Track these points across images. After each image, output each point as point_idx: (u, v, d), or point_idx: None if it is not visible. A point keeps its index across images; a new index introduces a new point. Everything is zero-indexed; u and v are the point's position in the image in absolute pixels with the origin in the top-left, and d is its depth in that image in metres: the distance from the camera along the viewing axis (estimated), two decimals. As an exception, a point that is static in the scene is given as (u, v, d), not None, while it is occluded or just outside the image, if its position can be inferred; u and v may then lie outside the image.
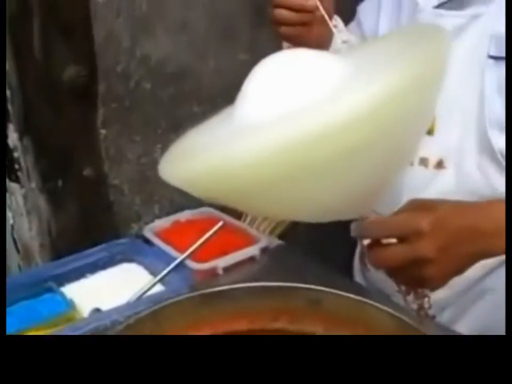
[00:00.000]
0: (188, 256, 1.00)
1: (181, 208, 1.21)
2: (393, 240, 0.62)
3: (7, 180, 0.98)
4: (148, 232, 1.13)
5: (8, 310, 0.89)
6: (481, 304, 0.87)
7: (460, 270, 0.63)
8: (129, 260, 1.08)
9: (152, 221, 1.21)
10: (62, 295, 0.95)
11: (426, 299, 0.67)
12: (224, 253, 1.05)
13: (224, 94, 1.34)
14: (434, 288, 0.64)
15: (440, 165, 0.82)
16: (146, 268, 1.07)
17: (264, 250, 1.08)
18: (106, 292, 0.98)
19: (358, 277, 1.05)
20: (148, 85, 1.13)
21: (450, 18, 0.78)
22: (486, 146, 0.77)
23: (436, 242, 0.60)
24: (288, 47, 0.89)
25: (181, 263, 1.00)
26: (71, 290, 0.99)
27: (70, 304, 0.92)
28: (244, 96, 0.56)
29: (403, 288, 0.66)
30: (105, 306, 0.92)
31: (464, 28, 0.77)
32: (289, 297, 0.62)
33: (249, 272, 1.05)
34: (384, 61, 0.55)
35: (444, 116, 0.78)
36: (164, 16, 1.13)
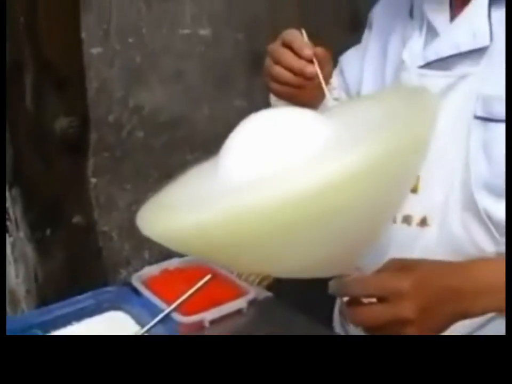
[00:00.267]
0: (175, 309, 1.00)
1: (170, 255, 1.21)
2: (373, 300, 0.62)
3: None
4: (135, 281, 1.12)
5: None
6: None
7: (440, 330, 0.63)
8: (116, 308, 1.08)
9: (141, 267, 1.20)
10: (47, 344, 0.94)
11: None
12: (212, 305, 1.04)
13: (218, 141, 1.35)
14: None
15: (423, 222, 0.82)
16: (133, 317, 1.06)
17: (251, 302, 1.08)
18: (92, 340, 0.98)
19: (337, 328, 1.04)
20: (141, 133, 1.14)
21: (437, 78, 0.79)
22: (470, 206, 0.77)
23: (417, 303, 0.60)
24: (276, 100, 0.89)
25: (168, 315, 0.99)
26: (56, 337, 0.98)
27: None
28: (227, 153, 0.57)
29: None
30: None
31: (451, 88, 0.77)
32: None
33: (236, 324, 1.04)
34: (369, 126, 0.56)
35: (428, 174, 0.78)
36: (158, 67, 1.15)
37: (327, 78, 0.85)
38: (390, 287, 0.61)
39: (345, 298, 0.65)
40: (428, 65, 0.79)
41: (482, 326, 0.80)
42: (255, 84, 1.32)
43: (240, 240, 0.49)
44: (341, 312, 0.88)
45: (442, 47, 0.77)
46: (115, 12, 1.10)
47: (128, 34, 1.11)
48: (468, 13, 0.76)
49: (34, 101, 0.92)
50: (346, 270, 0.62)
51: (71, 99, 0.96)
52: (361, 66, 0.93)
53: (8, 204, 0.96)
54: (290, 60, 0.78)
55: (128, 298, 1.09)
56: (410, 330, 0.60)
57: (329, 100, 0.83)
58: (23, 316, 1.07)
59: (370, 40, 0.93)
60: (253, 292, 1.09)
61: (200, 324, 1.02)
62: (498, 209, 0.72)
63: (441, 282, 0.62)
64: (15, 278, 1.04)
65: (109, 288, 1.09)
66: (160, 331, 0.98)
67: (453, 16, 0.79)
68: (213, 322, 1.03)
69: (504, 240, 0.73)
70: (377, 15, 0.94)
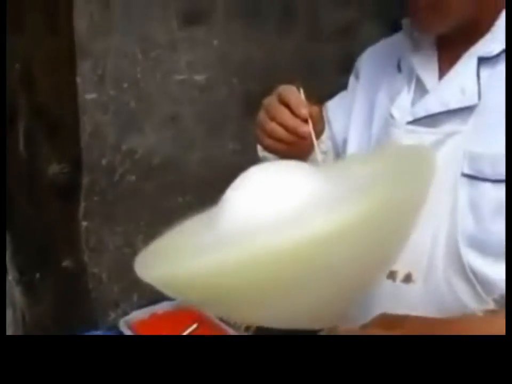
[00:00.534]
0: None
1: (160, 298, 1.20)
2: None
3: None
4: (123, 325, 1.12)
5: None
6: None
7: None
8: (103, 353, 1.07)
9: (130, 309, 1.20)
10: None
11: None
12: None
13: (210, 184, 1.37)
14: None
15: (408, 278, 0.82)
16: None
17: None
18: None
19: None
20: (133, 177, 1.15)
21: (425, 135, 0.78)
22: (455, 262, 0.77)
23: None
24: (263, 151, 0.89)
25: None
26: None
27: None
28: (225, 204, 0.60)
29: None
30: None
31: (439, 144, 0.77)
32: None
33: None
34: (364, 181, 0.59)
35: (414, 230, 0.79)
36: (152, 111, 1.16)
37: (319, 135, 0.86)
38: None
39: None
40: (416, 121, 0.79)
41: None
42: (248, 127, 1.33)
43: (229, 289, 0.51)
44: None
45: (432, 104, 0.78)
46: (111, 57, 1.12)
47: (123, 80, 1.13)
48: (457, 71, 0.77)
49: (27, 147, 0.93)
50: (336, 322, 0.62)
51: (64, 145, 0.97)
52: (348, 116, 0.93)
53: (-3, 247, 0.96)
54: (286, 118, 0.78)
55: (115, 343, 1.09)
56: None
57: (317, 154, 0.84)
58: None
59: (358, 91, 0.94)
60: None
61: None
62: (484, 266, 0.72)
63: None
64: (2, 321, 1.04)
65: (96, 332, 1.09)
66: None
67: (441, 73, 0.80)
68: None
69: (490, 298, 0.74)
70: (364, 65, 0.95)
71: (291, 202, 0.56)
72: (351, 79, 0.97)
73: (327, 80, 1.28)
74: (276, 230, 0.52)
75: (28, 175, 0.96)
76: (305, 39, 1.41)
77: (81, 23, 1.04)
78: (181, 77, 1.23)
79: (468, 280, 0.76)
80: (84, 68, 1.05)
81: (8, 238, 0.98)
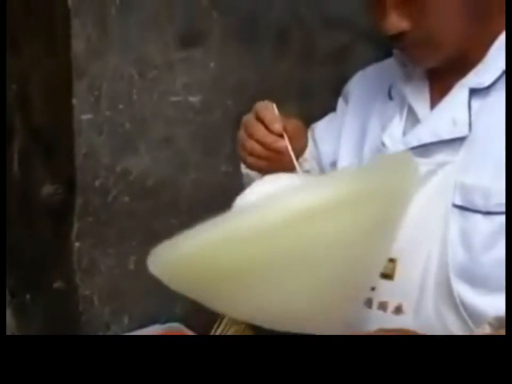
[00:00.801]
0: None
1: (150, 320, 1.19)
2: None
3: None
4: (114, 348, 1.10)
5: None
6: None
7: None
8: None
9: (121, 332, 1.19)
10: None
11: None
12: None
13: (204, 206, 1.37)
14: None
15: (398, 310, 0.81)
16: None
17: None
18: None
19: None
20: (126, 198, 1.15)
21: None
22: (446, 294, 0.76)
23: None
24: (246, 168, 0.89)
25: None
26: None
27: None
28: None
29: None
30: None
31: (430, 175, 0.77)
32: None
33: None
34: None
35: (405, 260, 0.78)
36: (146, 133, 1.16)
37: (302, 151, 0.85)
38: None
39: None
40: (409, 151, 0.78)
41: None
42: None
43: (216, 270, 0.54)
44: None
45: (423, 134, 0.78)
46: (107, 78, 1.12)
47: (119, 101, 1.13)
48: (448, 101, 0.77)
49: (22, 168, 0.92)
50: (331, 327, 0.62)
51: (58, 166, 0.97)
52: (337, 138, 0.93)
53: (-12, 269, 0.95)
54: (262, 135, 0.79)
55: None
56: None
57: (296, 167, 0.83)
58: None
59: (348, 115, 0.93)
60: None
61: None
62: (475, 298, 0.72)
63: None
64: (-9, 343, 1.02)
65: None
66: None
67: (433, 102, 0.80)
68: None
69: (478, 330, 0.73)
70: (354, 89, 0.95)
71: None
72: (340, 102, 0.97)
73: (321, 103, 1.29)
74: (255, 209, 0.56)
75: (21, 195, 0.95)
76: (299, 62, 1.42)
77: (78, 44, 1.05)
78: (176, 99, 1.24)
79: (458, 312, 0.75)
80: (80, 89, 1.05)
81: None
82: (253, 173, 0.88)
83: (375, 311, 0.82)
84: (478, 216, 0.71)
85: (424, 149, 0.78)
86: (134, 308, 1.20)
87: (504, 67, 0.73)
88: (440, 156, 0.77)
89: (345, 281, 0.59)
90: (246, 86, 1.36)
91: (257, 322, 0.63)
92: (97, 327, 1.17)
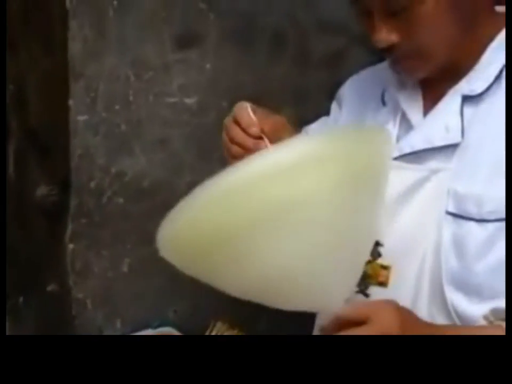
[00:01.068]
0: None
1: (143, 325, 1.19)
2: None
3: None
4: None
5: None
6: None
7: None
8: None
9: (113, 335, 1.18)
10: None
11: None
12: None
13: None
14: None
15: None
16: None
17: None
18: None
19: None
20: (121, 200, 1.14)
21: (411, 171, 0.78)
22: (439, 301, 0.76)
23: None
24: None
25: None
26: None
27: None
28: None
29: None
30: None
31: (424, 181, 0.77)
32: None
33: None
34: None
35: (399, 268, 0.78)
36: (142, 134, 1.16)
37: (276, 136, 0.84)
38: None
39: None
40: (402, 157, 0.79)
41: None
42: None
43: (216, 232, 0.54)
44: None
45: (416, 141, 0.78)
46: (103, 79, 1.11)
47: (115, 102, 1.13)
48: (441, 108, 0.78)
49: (17, 168, 0.91)
50: (328, 303, 0.62)
51: (53, 167, 0.96)
52: None
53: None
54: (241, 138, 0.79)
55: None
56: None
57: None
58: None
59: (341, 120, 0.93)
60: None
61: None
62: (467, 306, 0.72)
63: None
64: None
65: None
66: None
67: (426, 109, 0.80)
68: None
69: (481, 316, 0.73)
70: (347, 94, 0.95)
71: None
72: (334, 106, 0.98)
73: (316, 106, 1.29)
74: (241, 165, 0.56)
75: (16, 195, 0.94)
76: (295, 65, 1.42)
77: (75, 45, 1.04)
78: (172, 100, 1.23)
79: (451, 319, 0.75)
80: (77, 90, 1.04)
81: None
82: None
83: None
84: (471, 224, 0.72)
85: (417, 156, 0.78)
86: (126, 311, 1.20)
87: (496, 74, 0.74)
88: (434, 163, 0.77)
89: (336, 245, 0.58)
90: (242, 88, 1.36)
91: (252, 296, 0.62)
92: (90, 330, 1.17)
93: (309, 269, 0.58)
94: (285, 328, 0.65)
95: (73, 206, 1.05)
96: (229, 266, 0.57)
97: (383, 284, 0.79)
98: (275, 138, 0.79)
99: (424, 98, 0.80)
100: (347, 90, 0.95)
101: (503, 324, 0.65)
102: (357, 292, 0.76)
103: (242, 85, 1.35)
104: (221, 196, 0.54)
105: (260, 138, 0.78)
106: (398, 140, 0.81)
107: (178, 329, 1.16)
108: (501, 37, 0.75)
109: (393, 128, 0.82)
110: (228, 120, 0.81)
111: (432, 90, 0.79)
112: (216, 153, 1.33)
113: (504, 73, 0.73)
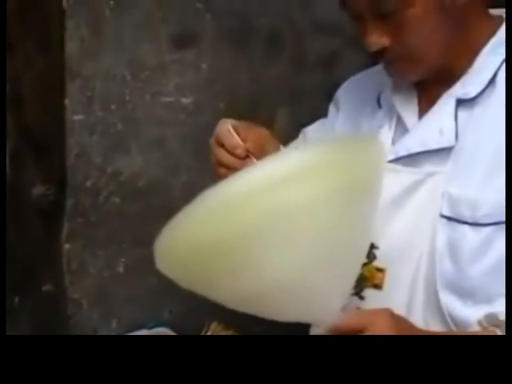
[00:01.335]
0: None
1: (138, 325, 1.19)
2: None
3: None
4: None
5: None
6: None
7: None
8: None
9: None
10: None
11: None
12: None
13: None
14: None
15: None
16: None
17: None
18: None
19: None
20: (117, 199, 1.14)
21: (406, 174, 0.78)
22: (433, 304, 0.76)
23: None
24: None
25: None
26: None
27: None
28: None
29: None
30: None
31: (419, 185, 0.77)
32: None
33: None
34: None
35: (394, 270, 0.78)
36: (138, 134, 1.16)
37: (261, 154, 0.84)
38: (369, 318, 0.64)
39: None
40: (398, 160, 0.79)
41: None
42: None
43: (216, 241, 0.54)
44: None
45: (412, 144, 0.78)
46: (100, 79, 1.11)
47: (111, 101, 1.12)
48: (435, 111, 0.78)
49: (13, 168, 0.91)
50: (324, 314, 0.62)
51: (49, 167, 0.96)
52: None
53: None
54: (227, 160, 0.79)
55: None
56: None
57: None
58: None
59: (338, 122, 0.94)
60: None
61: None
62: (461, 309, 0.72)
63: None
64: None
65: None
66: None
67: (421, 112, 0.80)
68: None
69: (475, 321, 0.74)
70: (344, 96, 0.95)
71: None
72: (331, 108, 0.98)
73: (311, 107, 1.30)
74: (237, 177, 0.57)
75: (11, 195, 0.94)
76: (291, 66, 1.42)
77: (71, 45, 1.04)
78: (169, 100, 1.23)
79: (445, 322, 0.75)
80: (73, 89, 1.04)
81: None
82: None
83: None
84: (466, 227, 0.72)
85: (412, 159, 0.78)
86: (122, 311, 1.20)
87: (489, 78, 0.74)
88: (429, 166, 0.77)
89: (331, 255, 0.59)
90: (238, 88, 1.36)
91: (248, 308, 0.62)
92: (85, 330, 1.17)
93: (305, 280, 0.58)
94: (283, 329, 0.64)
95: (69, 205, 1.05)
96: (225, 279, 0.57)
97: (378, 286, 0.79)
98: (261, 153, 0.79)
99: (420, 101, 0.81)
100: (344, 93, 0.95)
101: (497, 330, 0.65)
102: (352, 295, 0.75)
103: (238, 85, 1.36)
104: (216, 209, 0.54)
105: (247, 157, 0.78)
106: (393, 142, 0.81)
107: (174, 329, 1.16)
108: (495, 40, 0.75)
109: (388, 131, 0.82)
110: (213, 143, 0.81)
111: (427, 93, 0.79)
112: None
113: (498, 77, 0.74)
